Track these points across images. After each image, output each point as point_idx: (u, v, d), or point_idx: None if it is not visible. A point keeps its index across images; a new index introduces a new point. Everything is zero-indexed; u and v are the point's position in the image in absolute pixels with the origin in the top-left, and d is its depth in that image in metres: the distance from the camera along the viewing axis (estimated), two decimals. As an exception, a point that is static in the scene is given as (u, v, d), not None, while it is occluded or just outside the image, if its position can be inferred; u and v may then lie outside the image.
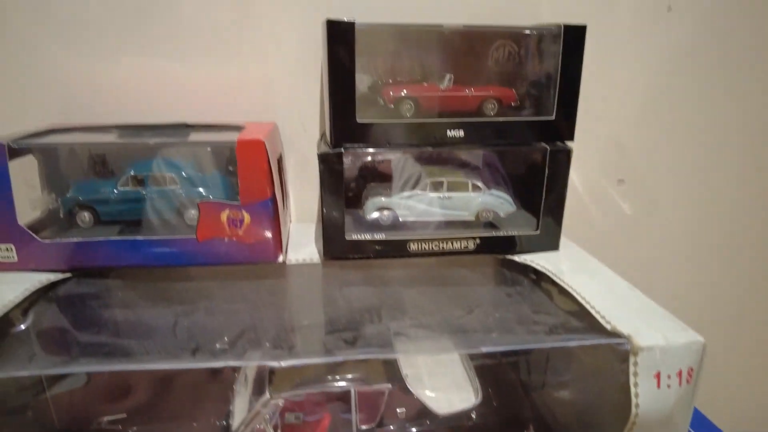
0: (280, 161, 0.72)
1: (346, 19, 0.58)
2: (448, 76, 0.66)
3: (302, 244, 0.71)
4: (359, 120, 0.61)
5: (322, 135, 0.73)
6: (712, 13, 0.79)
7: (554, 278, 0.61)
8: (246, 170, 0.59)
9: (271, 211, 0.61)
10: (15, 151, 0.58)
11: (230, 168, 0.68)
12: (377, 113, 0.65)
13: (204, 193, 0.64)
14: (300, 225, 0.78)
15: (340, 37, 0.58)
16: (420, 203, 0.67)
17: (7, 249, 0.60)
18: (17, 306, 0.54)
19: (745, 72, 0.83)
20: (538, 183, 0.66)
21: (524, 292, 0.63)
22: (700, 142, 0.86)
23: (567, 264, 0.65)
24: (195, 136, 0.68)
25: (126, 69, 0.71)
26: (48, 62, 0.71)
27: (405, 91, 0.65)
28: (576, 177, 0.84)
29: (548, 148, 0.64)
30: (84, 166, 0.67)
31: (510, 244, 0.67)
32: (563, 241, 0.71)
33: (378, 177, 0.72)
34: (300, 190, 0.78)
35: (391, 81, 0.68)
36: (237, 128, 0.68)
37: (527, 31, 0.66)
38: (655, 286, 0.95)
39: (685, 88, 0.83)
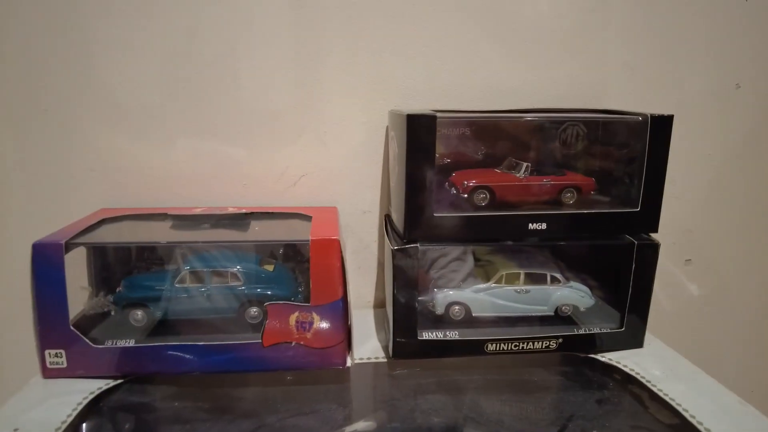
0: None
1: (427, 113, 0.55)
2: (525, 165, 0.62)
3: (364, 337, 0.66)
4: (436, 214, 0.57)
5: (386, 218, 0.70)
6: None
7: (649, 386, 0.56)
8: (319, 270, 0.55)
9: (342, 313, 0.57)
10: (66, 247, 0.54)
11: (280, 251, 0.64)
12: (445, 200, 0.62)
13: (265, 291, 0.59)
14: (356, 312, 0.73)
15: (420, 131, 0.55)
16: (495, 297, 0.63)
17: (56, 355, 0.55)
18: (69, 425, 0.49)
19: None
20: (622, 277, 0.62)
21: (614, 399, 0.58)
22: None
23: (658, 367, 0.60)
24: (257, 226, 0.64)
25: (181, 152, 0.68)
26: (98, 144, 0.67)
27: (480, 180, 0.62)
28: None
29: (636, 242, 0.60)
30: (135, 259, 0.63)
31: (593, 342, 0.63)
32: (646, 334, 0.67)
33: (445, 264, 0.67)
34: (357, 275, 0.74)
35: (451, 163, 0.64)
36: (302, 217, 0.64)
37: (604, 120, 0.63)
38: (727, 371, 0.90)
39: (754, 165, 0.79)
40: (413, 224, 0.57)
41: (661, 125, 0.59)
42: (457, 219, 0.58)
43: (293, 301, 0.57)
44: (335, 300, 0.56)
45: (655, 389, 0.56)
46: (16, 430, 0.48)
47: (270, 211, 0.66)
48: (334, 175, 0.71)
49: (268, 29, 0.66)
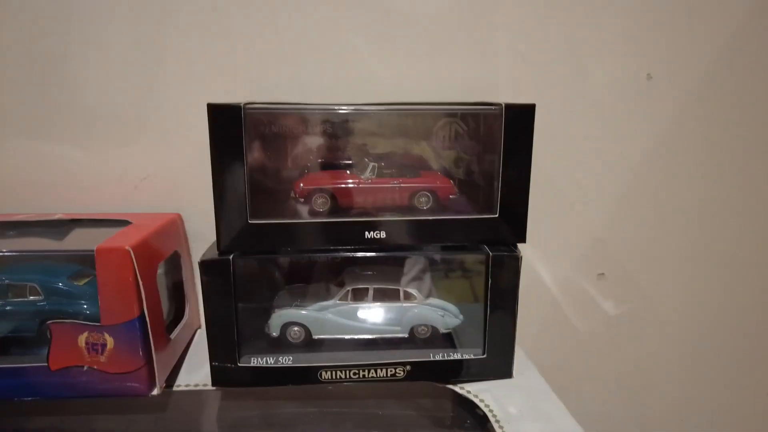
0: (177, 260, 0.61)
1: (232, 104, 0.48)
2: (370, 165, 0.55)
3: (201, 360, 0.59)
4: (251, 220, 0.50)
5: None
6: (696, 80, 0.67)
7: (496, 428, 0.47)
8: (107, 285, 0.48)
9: (140, 334, 0.49)
10: None
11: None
12: (285, 209, 0.54)
13: (70, 308, 0.53)
14: (203, 331, 0.66)
15: (225, 126, 0.48)
16: (339, 316, 0.55)
17: None
18: None
19: (736, 146, 0.70)
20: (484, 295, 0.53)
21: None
22: (691, 224, 0.72)
23: (518, 404, 0.51)
24: (80, 234, 0.57)
25: (11, 154, 0.62)
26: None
27: (317, 183, 0.54)
28: (546, 274, 0.70)
29: (490, 253, 0.52)
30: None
31: (452, 370, 0.54)
32: (523, 361, 0.58)
33: (291, 279, 0.60)
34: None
35: (304, 170, 0.57)
36: (124, 224, 0.57)
37: (464, 112, 0.55)
38: (650, 403, 0.80)
39: (670, 164, 0.70)
40: (224, 233, 0.50)
41: (520, 117, 0.50)
42: (279, 227, 0.51)
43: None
44: (130, 319, 0.49)
45: (499, 430, 0.47)
46: None
47: (98, 218, 0.60)
48: (181, 178, 0.64)
49: (103, 15, 0.60)
